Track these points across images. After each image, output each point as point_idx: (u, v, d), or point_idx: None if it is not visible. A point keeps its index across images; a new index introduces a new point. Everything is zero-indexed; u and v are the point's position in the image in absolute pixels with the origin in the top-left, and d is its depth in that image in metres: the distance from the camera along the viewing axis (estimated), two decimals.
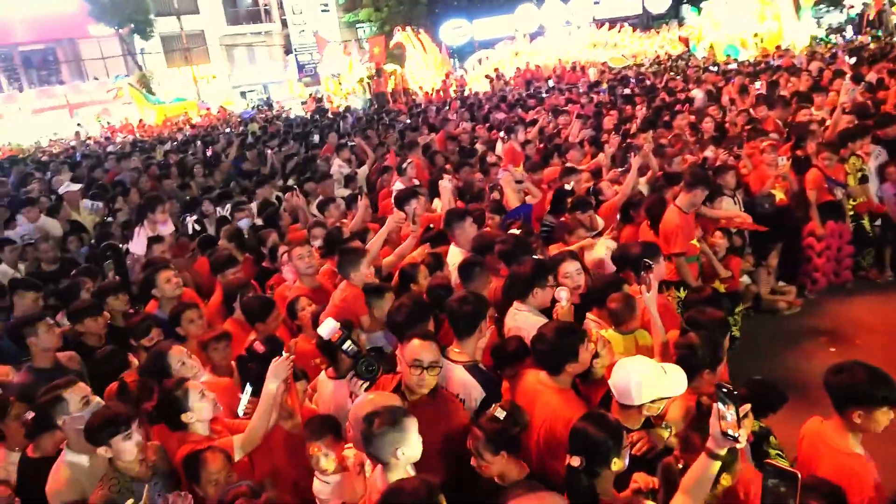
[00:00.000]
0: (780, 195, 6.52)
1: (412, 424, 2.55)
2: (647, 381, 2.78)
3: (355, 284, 4.35)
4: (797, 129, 7.58)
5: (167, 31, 32.79)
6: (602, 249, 5.03)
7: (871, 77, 10.28)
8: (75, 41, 32.56)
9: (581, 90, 15.36)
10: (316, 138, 13.05)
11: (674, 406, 2.92)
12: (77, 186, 8.84)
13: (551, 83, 18.81)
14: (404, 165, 7.63)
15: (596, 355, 3.23)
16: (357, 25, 37.81)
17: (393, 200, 6.06)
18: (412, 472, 2.56)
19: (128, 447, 2.89)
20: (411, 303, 3.61)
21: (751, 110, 9.08)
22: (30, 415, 3.34)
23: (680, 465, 2.65)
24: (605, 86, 15.32)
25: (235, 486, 2.62)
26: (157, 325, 4.33)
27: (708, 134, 8.19)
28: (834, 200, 6.59)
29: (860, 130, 7.02)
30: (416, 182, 7.34)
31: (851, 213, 6.72)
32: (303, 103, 28.47)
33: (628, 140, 8.01)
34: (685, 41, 25.23)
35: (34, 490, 3.16)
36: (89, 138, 23.10)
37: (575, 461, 2.46)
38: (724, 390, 2.13)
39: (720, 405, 2.14)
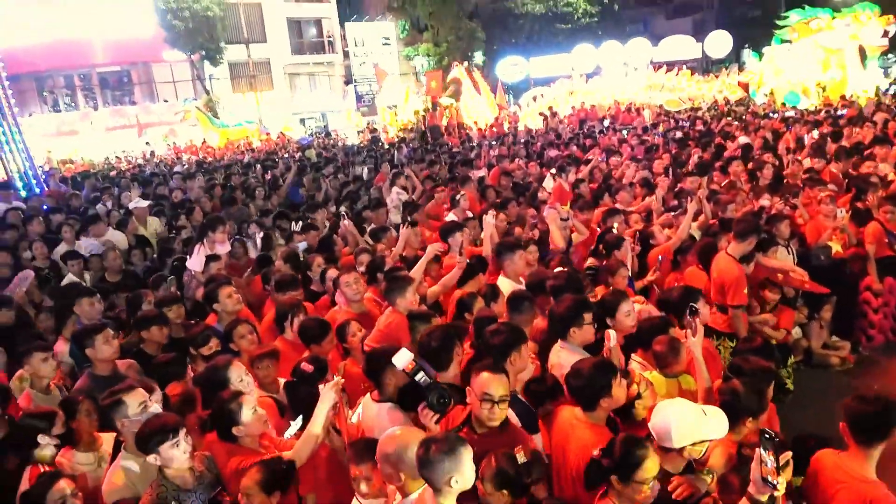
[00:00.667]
0: (836, 247, 6.38)
1: (467, 454, 2.53)
2: (686, 423, 2.78)
3: (400, 311, 4.44)
4: (858, 181, 7.44)
5: (235, 59, 34.22)
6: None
7: None
8: (149, 64, 34.14)
9: (636, 131, 15.32)
10: (362, 171, 13.02)
11: (716, 452, 2.90)
12: (146, 203, 9.21)
13: (606, 123, 18.80)
14: (457, 198, 7.78)
15: (638, 396, 3.24)
16: (416, 59, 38.79)
17: (439, 232, 6.20)
18: None
19: (176, 455, 3.01)
20: (437, 331, 3.65)
21: (808, 160, 8.93)
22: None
23: None
24: (661, 129, 15.25)
25: None
26: (215, 336, 4.50)
27: (765, 182, 8.09)
28: (893, 255, 6.41)
29: None
30: (469, 214, 7.48)
31: None
32: (359, 132, 29.16)
33: (679, 185, 7.99)
34: (745, 86, 24.84)
35: None
36: (157, 157, 24.14)
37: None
38: (767, 436, 2.14)
39: (762, 450, 2.14)
